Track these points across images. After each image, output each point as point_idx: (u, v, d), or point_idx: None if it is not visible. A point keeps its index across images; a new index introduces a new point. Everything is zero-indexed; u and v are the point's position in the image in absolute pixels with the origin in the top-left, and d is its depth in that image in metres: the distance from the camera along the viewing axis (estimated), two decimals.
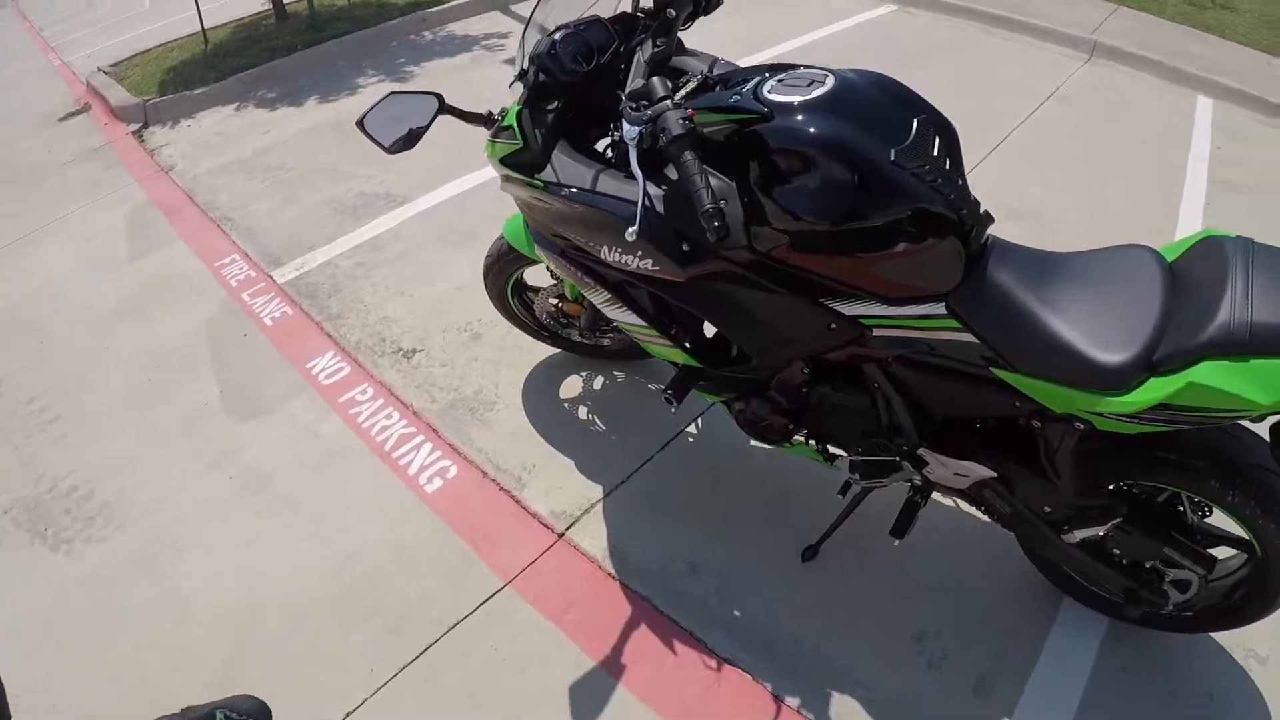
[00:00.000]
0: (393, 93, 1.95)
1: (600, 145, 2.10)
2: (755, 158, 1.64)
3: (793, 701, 2.07)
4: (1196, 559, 1.87)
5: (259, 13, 7.70)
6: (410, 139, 1.97)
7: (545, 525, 2.50)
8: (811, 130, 1.57)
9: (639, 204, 1.63)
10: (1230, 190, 4.85)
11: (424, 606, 2.31)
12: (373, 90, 5.52)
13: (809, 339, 1.87)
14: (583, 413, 2.88)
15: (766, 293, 1.79)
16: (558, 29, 1.94)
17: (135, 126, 5.72)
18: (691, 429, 2.80)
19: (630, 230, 1.61)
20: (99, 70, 6.81)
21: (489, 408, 2.92)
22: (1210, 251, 1.64)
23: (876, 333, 1.77)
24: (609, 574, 2.36)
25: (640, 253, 1.81)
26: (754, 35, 5.99)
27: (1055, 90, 5.87)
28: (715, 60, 2.09)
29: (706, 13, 2.11)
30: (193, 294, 3.73)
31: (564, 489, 2.61)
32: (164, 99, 5.88)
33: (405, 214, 4.06)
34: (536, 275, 2.69)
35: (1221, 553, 1.94)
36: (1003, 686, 2.13)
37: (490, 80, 5.57)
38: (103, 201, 4.73)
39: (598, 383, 2.99)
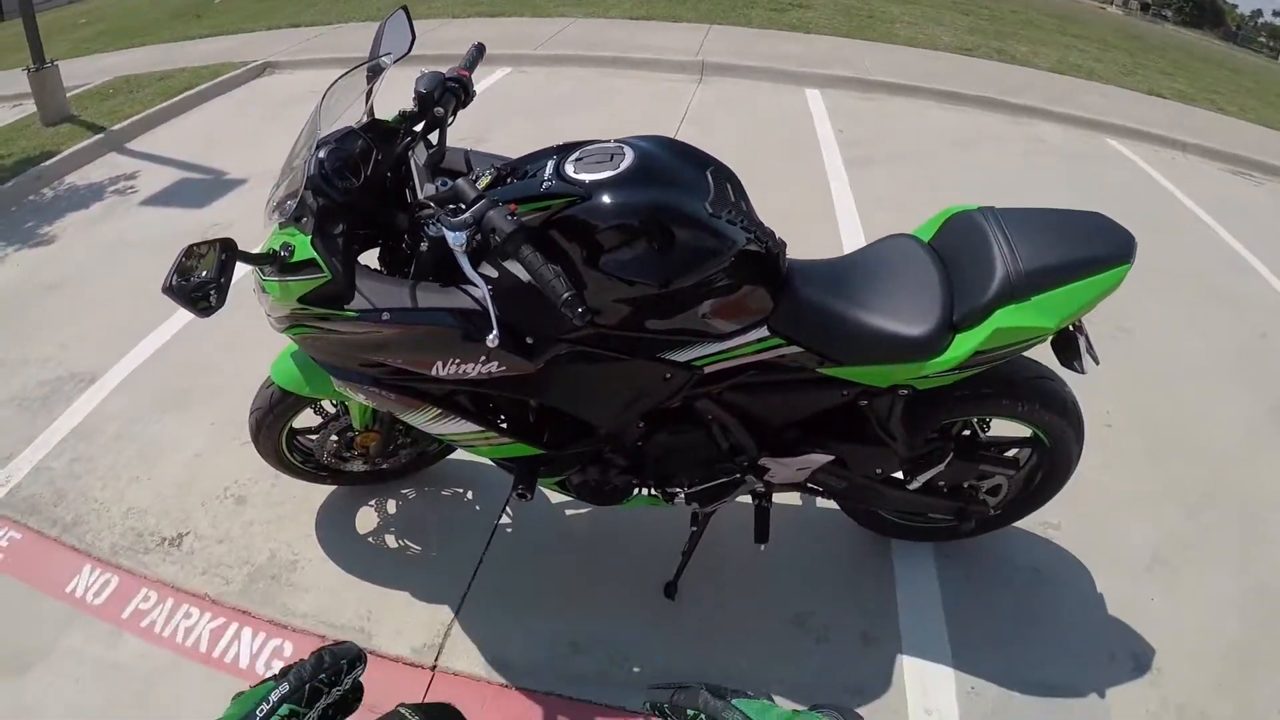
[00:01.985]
0: (189, 245, 1.62)
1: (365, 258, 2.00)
2: (578, 238, 1.69)
3: None
4: (1004, 464, 2.30)
5: None
6: (217, 294, 1.62)
7: (414, 665, 2.37)
8: (635, 201, 1.67)
9: (490, 309, 1.62)
10: (865, 165, 5.70)
11: None
12: (11, 262, 4.78)
13: (650, 394, 1.97)
14: (391, 540, 2.75)
15: (606, 363, 1.86)
16: (319, 145, 1.82)
17: None
18: (505, 519, 2.79)
19: (492, 336, 1.60)
20: None
21: (292, 569, 2.68)
22: (963, 224, 2.04)
23: (708, 370, 1.92)
24: (501, 685, 2.30)
25: (484, 357, 1.78)
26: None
27: (684, 115, 6.44)
28: (468, 151, 2.09)
29: (465, 105, 2.10)
30: None
31: (413, 622, 2.49)
32: None
33: (103, 390, 3.58)
34: (302, 418, 2.53)
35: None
36: (882, 632, 2.44)
37: (134, 226, 5.07)
38: None
39: (391, 506, 2.87)
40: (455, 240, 1.59)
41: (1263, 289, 4.97)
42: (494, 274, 1.73)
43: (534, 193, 1.69)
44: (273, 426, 2.45)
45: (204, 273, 1.60)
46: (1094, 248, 1.91)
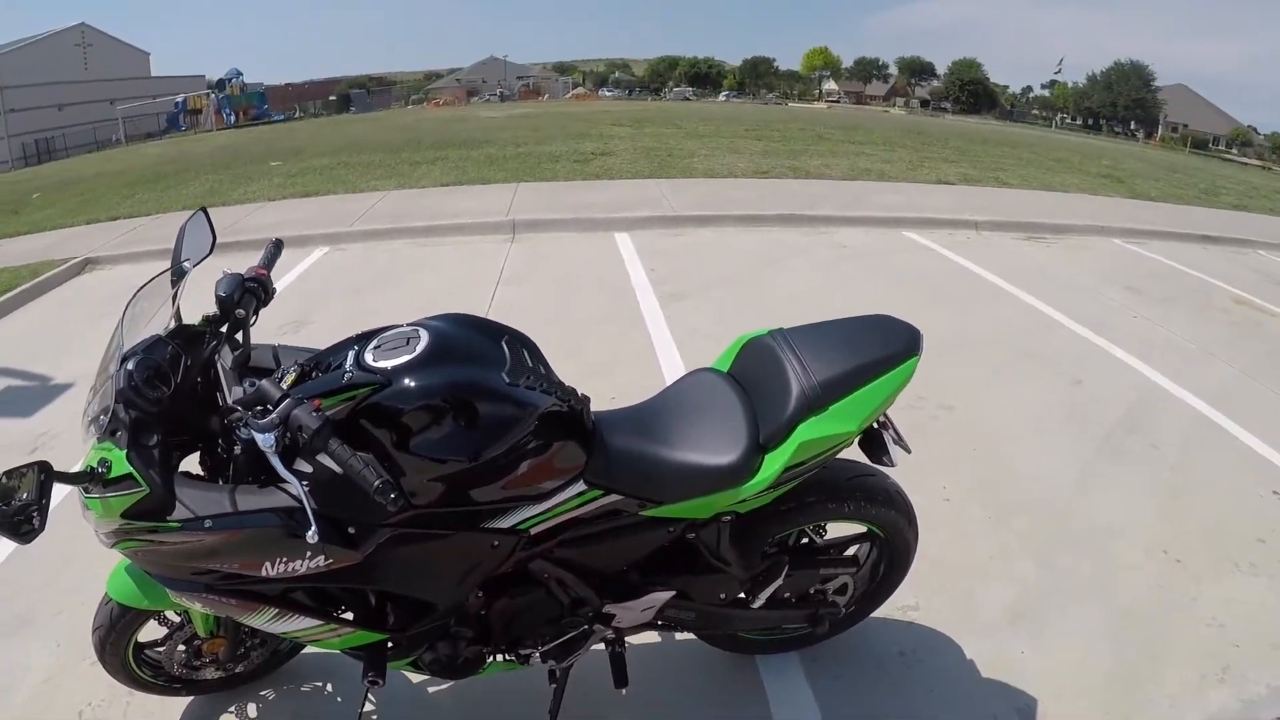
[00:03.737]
0: (3, 471, 1.59)
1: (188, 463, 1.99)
2: (385, 424, 1.72)
3: None
4: (844, 564, 2.39)
5: None
6: (39, 516, 1.58)
7: None
8: (434, 381, 1.73)
9: (306, 506, 1.64)
10: (679, 299, 5.99)
11: None
12: None
13: (481, 564, 1.98)
14: None
15: (432, 541, 1.87)
16: (126, 357, 1.82)
17: None
18: (369, 706, 2.69)
19: (311, 533, 1.63)
20: None
21: None
22: (757, 350, 2.18)
23: (534, 531, 1.96)
24: None
25: (310, 553, 1.78)
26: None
27: (500, 275, 6.66)
28: (276, 346, 2.11)
29: (266, 303, 2.13)
30: None
31: None
32: None
33: None
34: (147, 631, 2.41)
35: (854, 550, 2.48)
36: None
37: None
38: None
39: (252, 710, 2.72)
40: (265, 442, 1.60)
41: (1068, 338, 5.41)
42: (309, 469, 1.74)
43: (337, 385, 1.72)
44: (117, 643, 2.34)
45: (24, 495, 1.57)
46: (880, 348, 2.07)
